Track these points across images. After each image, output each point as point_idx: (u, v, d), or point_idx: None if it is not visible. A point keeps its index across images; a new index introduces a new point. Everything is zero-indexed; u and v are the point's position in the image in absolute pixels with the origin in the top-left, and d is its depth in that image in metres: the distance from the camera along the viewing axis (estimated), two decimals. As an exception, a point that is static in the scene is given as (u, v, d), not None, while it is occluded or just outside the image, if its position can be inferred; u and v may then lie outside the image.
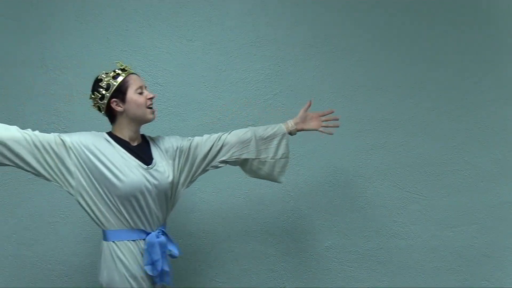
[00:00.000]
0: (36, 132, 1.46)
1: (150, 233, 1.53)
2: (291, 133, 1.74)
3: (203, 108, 2.16)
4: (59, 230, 2.15)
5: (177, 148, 1.65)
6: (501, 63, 2.18)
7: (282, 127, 1.73)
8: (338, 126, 1.79)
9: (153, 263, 1.51)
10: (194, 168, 1.68)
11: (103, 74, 1.60)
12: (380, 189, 2.18)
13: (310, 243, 2.17)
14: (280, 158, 1.72)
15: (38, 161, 1.45)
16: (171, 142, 1.66)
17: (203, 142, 1.68)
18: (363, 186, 2.18)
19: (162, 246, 1.54)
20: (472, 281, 2.18)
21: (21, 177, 2.15)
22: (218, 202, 2.15)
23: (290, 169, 2.15)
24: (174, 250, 1.58)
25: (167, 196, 1.60)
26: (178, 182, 1.65)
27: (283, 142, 1.72)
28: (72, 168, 1.47)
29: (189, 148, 1.66)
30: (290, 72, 2.18)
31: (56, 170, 1.47)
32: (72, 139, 1.49)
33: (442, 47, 2.19)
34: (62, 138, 1.48)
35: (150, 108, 1.58)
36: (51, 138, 1.47)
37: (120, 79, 1.57)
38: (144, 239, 1.53)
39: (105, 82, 1.58)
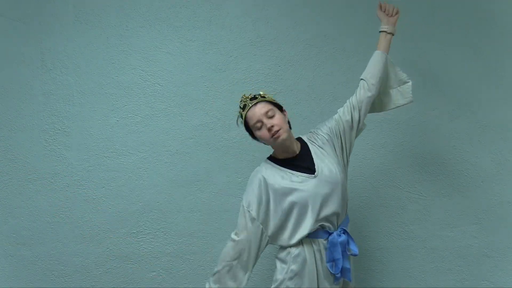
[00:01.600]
0: (242, 236, 1.59)
1: (332, 232, 1.59)
2: (393, 33, 1.80)
3: (203, 108, 2.16)
4: (59, 230, 2.15)
5: (329, 135, 1.69)
6: (501, 63, 2.18)
7: (378, 52, 1.76)
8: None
9: (334, 261, 1.57)
10: (348, 142, 1.71)
11: (239, 111, 1.66)
12: (380, 189, 2.18)
13: (310, 243, 2.17)
14: (399, 86, 1.79)
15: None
16: (323, 133, 1.70)
17: (343, 116, 1.70)
18: (363, 186, 2.18)
19: (343, 245, 1.58)
20: (472, 281, 2.18)
21: (21, 177, 2.15)
22: (218, 202, 2.15)
23: (290, 169, 2.16)
24: (354, 249, 1.61)
25: (345, 188, 1.64)
26: (344, 165, 1.70)
27: (394, 68, 1.79)
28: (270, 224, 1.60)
29: (338, 128, 1.69)
30: (290, 72, 2.18)
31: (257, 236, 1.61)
32: (251, 208, 1.59)
33: (442, 47, 2.19)
34: (250, 216, 1.59)
35: (274, 134, 1.57)
36: (248, 227, 1.59)
37: (244, 119, 1.62)
38: (326, 239, 1.59)
39: (239, 122, 1.66)
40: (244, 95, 1.64)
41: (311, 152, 1.65)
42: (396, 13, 1.79)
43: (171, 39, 2.17)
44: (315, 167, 1.60)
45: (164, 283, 2.16)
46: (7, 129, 2.15)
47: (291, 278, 1.58)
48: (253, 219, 1.57)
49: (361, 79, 1.74)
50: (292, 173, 1.60)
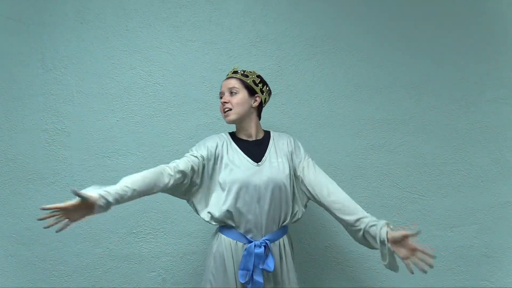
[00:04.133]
0: (181, 163, 1.57)
1: (252, 241, 1.56)
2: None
3: (203, 108, 2.16)
4: (59, 230, 2.15)
5: (292, 156, 1.66)
6: (501, 63, 2.18)
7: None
8: (432, 267, 1.48)
9: (247, 270, 1.54)
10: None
11: None
12: (380, 189, 2.18)
13: (310, 243, 2.17)
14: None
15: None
16: (294, 149, 1.67)
17: (300, 169, 1.65)
18: (363, 186, 2.18)
19: (259, 258, 1.54)
20: (472, 281, 2.18)
21: (21, 177, 2.15)
22: (218, 202, 2.15)
23: (290, 169, 2.16)
24: (269, 265, 1.55)
25: (283, 196, 1.59)
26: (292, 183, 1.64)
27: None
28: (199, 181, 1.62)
29: (296, 164, 1.66)
30: (290, 71, 2.18)
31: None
32: (202, 152, 1.60)
33: (442, 47, 2.19)
34: (192, 154, 1.60)
35: (225, 111, 1.63)
36: (194, 161, 1.59)
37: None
38: (245, 244, 1.57)
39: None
40: (235, 67, 1.69)
41: (269, 145, 1.65)
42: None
43: (171, 39, 2.17)
44: (263, 157, 1.61)
45: (164, 283, 2.16)
46: (7, 129, 2.15)
47: (213, 274, 1.59)
48: (194, 156, 1.59)
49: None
50: (239, 154, 1.61)
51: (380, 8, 2.18)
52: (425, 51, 2.18)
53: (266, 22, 2.17)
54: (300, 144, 1.71)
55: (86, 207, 1.33)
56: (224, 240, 1.59)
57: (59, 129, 2.15)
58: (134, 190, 1.43)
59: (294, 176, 1.65)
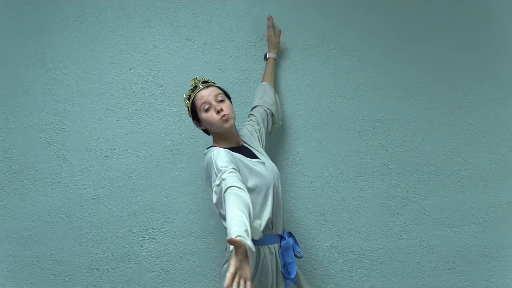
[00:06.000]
0: (229, 180, 1.37)
1: (283, 236, 1.57)
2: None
3: (203, 108, 2.16)
4: (59, 230, 2.15)
5: (252, 135, 1.75)
6: (501, 63, 2.18)
7: (267, 84, 1.98)
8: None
9: (285, 265, 1.54)
10: (262, 139, 1.84)
11: (185, 93, 1.68)
12: (380, 189, 2.18)
13: (310, 243, 2.17)
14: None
15: None
16: (252, 135, 1.76)
17: (260, 118, 1.86)
18: (363, 186, 2.18)
19: (293, 249, 1.57)
20: (472, 281, 2.18)
21: (21, 177, 2.15)
22: (218, 202, 2.15)
23: (290, 169, 2.16)
24: (300, 251, 1.60)
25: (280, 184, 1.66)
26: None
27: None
28: None
29: (257, 129, 1.83)
30: (290, 71, 2.18)
31: None
32: (231, 165, 1.45)
33: (442, 47, 2.19)
34: (232, 170, 1.42)
35: (223, 117, 1.57)
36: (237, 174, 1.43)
37: (192, 99, 1.62)
38: (279, 243, 1.57)
39: (186, 105, 1.66)
40: (196, 77, 1.67)
41: (248, 147, 1.70)
42: (279, 34, 2.07)
43: (171, 39, 2.17)
44: (258, 157, 1.64)
45: (164, 283, 2.16)
46: (7, 129, 2.15)
47: None
48: (231, 171, 1.40)
49: (255, 106, 1.91)
50: (245, 158, 1.58)
51: (380, 8, 2.18)
52: (425, 51, 2.18)
53: (266, 22, 2.17)
54: (245, 128, 1.82)
55: (244, 256, 1.13)
56: (262, 250, 1.54)
57: (59, 129, 2.15)
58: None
59: (267, 124, 1.90)
